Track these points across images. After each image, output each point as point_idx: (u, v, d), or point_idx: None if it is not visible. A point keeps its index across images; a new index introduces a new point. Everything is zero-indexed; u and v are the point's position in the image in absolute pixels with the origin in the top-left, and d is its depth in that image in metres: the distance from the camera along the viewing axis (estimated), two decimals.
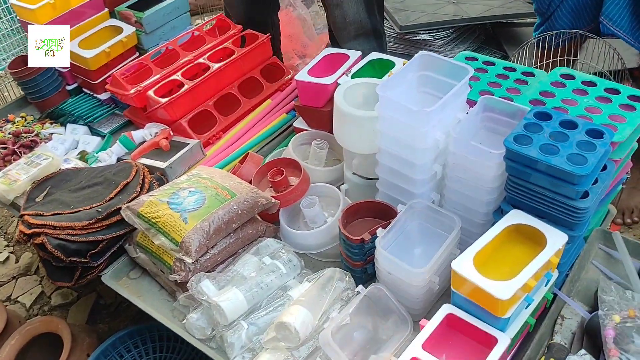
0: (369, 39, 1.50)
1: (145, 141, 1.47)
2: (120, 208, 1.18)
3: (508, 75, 1.20)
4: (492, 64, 1.25)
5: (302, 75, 1.38)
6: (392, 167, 1.10)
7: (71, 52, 1.61)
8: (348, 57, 1.43)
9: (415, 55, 1.08)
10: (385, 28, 1.91)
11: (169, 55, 1.62)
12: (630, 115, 1.01)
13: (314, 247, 1.20)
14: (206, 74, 1.52)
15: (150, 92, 1.48)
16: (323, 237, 1.18)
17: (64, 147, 1.53)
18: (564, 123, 0.95)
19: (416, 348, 0.86)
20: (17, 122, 1.67)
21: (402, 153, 1.05)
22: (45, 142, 1.53)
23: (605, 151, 0.91)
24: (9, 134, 1.56)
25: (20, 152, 1.50)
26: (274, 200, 1.20)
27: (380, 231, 1.04)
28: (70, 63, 1.65)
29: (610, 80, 1.51)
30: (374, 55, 1.43)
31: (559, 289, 1.03)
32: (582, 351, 0.90)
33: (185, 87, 1.48)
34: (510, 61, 1.70)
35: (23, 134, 1.55)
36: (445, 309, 0.91)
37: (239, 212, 1.14)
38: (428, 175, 1.07)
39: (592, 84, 1.10)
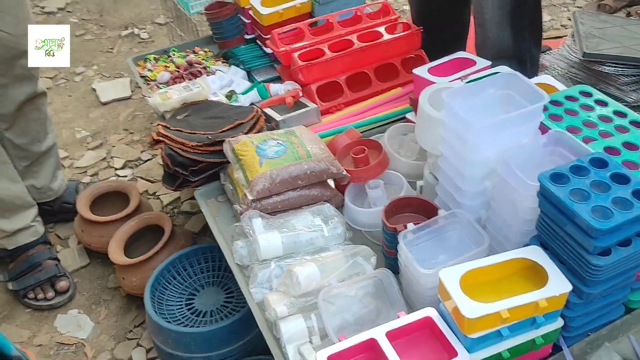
0: (510, 64, 1.47)
1: (278, 94, 1.67)
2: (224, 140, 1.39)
3: (613, 119, 1.13)
4: (605, 104, 1.17)
5: (421, 70, 1.43)
6: (448, 174, 1.12)
7: (252, 7, 1.87)
8: (475, 63, 1.45)
9: (499, 73, 1.08)
10: (549, 55, 1.82)
11: (326, 27, 1.78)
12: None
13: (366, 225, 1.28)
14: (347, 50, 1.65)
15: (295, 54, 1.66)
16: (376, 219, 1.25)
17: (221, 83, 1.80)
18: (616, 176, 0.90)
19: (379, 333, 0.91)
20: (200, 54, 2.00)
21: (456, 162, 1.08)
22: (208, 75, 1.82)
23: None
24: (185, 61, 1.88)
25: (187, 77, 1.81)
26: (344, 172, 1.30)
27: (410, 225, 1.09)
28: (251, 17, 1.92)
29: None
30: (501, 69, 1.42)
31: (569, 345, 0.97)
32: None
33: (325, 57, 1.64)
34: None
35: (195, 64, 1.87)
36: (426, 311, 0.94)
37: (308, 172, 1.27)
38: (477, 189, 1.08)
39: None
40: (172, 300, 1.48)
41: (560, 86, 1.29)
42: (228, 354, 1.34)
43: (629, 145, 1.01)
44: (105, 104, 2.61)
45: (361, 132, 1.53)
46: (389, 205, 1.18)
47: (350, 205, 1.28)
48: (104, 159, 2.26)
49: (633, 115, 1.13)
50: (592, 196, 0.87)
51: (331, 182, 1.38)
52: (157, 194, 2.08)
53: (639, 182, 0.88)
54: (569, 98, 1.19)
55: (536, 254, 0.92)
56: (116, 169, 2.20)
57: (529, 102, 1.03)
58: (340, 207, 1.34)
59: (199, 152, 1.40)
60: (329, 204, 1.30)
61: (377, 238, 1.28)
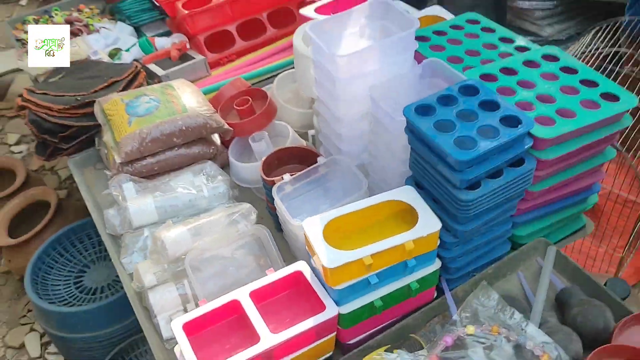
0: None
1: (163, 48, 1.54)
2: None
3: (498, 45, 1.05)
4: (492, 30, 1.10)
5: (308, 10, 1.32)
6: (326, 118, 1.04)
7: None
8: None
9: (369, 0, 0.99)
10: None
11: None
12: (585, 114, 0.84)
13: (252, 182, 1.18)
14: None
15: (179, 3, 1.52)
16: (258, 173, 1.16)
17: (105, 41, 1.65)
18: (486, 103, 0.83)
19: (243, 293, 0.83)
20: (85, 12, 1.83)
21: (330, 104, 0.99)
22: (90, 34, 1.66)
23: (511, 142, 0.78)
24: (65, 20, 1.72)
25: None
26: (226, 125, 1.20)
27: (286, 177, 1.00)
28: None
29: None
30: (400, 3, 1.33)
31: (452, 288, 0.91)
32: (422, 351, 0.81)
33: (211, 3, 1.51)
34: (585, 37, 1.48)
35: (75, 22, 1.71)
36: (297, 266, 0.86)
37: (184, 128, 1.16)
38: (355, 132, 0.99)
39: (573, 71, 0.92)
40: (59, 280, 1.37)
41: (450, 16, 1.21)
42: (117, 332, 1.24)
43: (507, 71, 0.93)
44: None
45: (253, 84, 1.42)
46: (269, 157, 1.09)
47: (233, 160, 1.18)
48: None
49: (520, 40, 1.05)
50: (458, 126, 0.79)
51: (217, 139, 1.27)
52: (55, 168, 1.93)
53: (509, 109, 0.81)
54: (455, 27, 1.10)
55: (407, 194, 0.85)
56: (10, 145, 2.03)
57: (404, 29, 0.94)
58: (227, 164, 1.24)
59: (68, 115, 1.27)
60: (211, 162, 1.20)
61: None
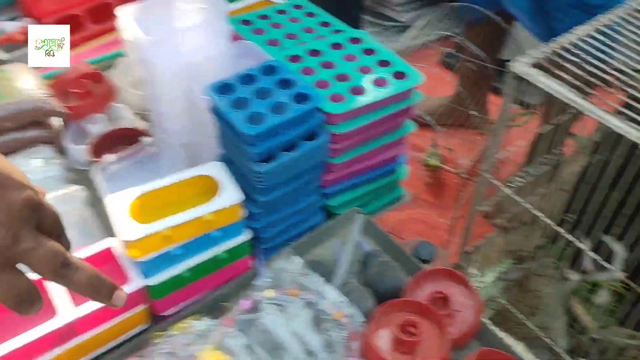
0: None
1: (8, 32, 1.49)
2: None
3: (316, 29, 1.11)
4: (314, 15, 1.15)
5: None
6: (150, 99, 1.06)
7: None
8: None
9: None
10: None
11: None
12: (375, 91, 0.91)
13: (88, 164, 1.19)
14: None
15: None
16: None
17: None
18: (282, 81, 0.88)
19: None
20: None
21: (150, 84, 1.01)
22: None
23: (300, 117, 0.84)
24: None
25: None
26: (62, 109, 1.19)
27: (110, 157, 1.02)
28: None
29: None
30: None
31: (270, 256, 0.97)
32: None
33: None
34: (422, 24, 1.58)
35: None
36: (107, 242, 0.88)
37: (15, 112, 1.14)
38: (175, 111, 1.02)
39: (372, 52, 1.00)
40: None
41: (279, 1, 1.26)
42: None
43: (313, 52, 0.99)
44: None
45: (102, 68, 1.41)
46: (99, 139, 1.10)
47: (67, 143, 1.18)
48: None
49: (338, 24, 1.12)
50: (253, 103, 0.84)
51: (59, 122, 1.26)
52: None
53: (305, 86, 0.87)
54: (280, 12, 1.16)
55: (214, 169, 0.89)
56: None
57: (216, 15, 0.98)
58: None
59: None
60: (47, 146, 1.19)
61: None
